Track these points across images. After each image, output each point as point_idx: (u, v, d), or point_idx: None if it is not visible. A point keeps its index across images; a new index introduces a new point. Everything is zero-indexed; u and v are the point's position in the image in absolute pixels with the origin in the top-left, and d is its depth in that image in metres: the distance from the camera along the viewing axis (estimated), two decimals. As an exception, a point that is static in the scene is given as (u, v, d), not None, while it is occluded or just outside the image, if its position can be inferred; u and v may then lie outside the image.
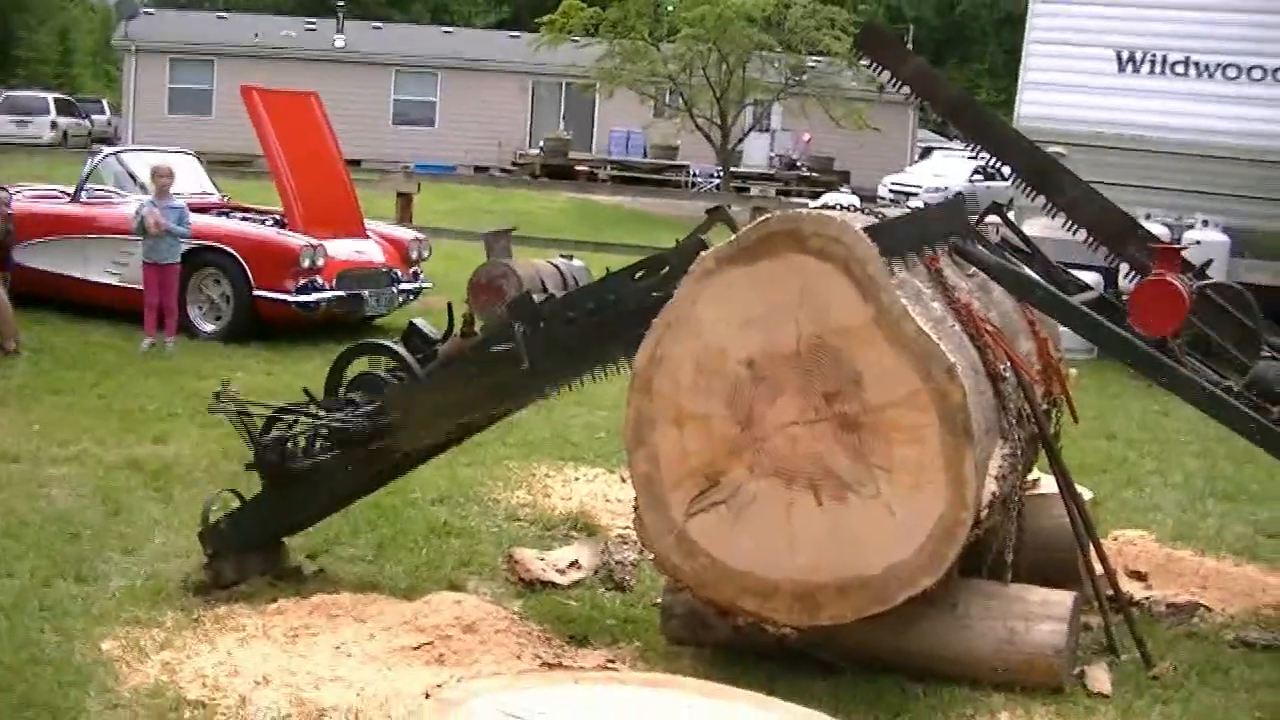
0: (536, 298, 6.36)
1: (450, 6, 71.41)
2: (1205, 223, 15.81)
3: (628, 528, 7.44)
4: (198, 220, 14.34)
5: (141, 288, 13.74)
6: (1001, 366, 6.08)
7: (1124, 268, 7.76)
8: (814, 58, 40.06)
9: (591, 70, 40.50)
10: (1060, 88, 17.09)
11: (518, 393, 6.42)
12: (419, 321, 6.91)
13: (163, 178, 13.38)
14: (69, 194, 15.27)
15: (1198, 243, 14.08)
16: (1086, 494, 7.16)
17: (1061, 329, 7.18)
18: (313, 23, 53.06)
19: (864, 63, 8.08)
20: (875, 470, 5.51)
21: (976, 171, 37.40)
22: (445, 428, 6.63)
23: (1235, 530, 8.84)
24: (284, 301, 13.77)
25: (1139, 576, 7.58)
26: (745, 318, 5.63)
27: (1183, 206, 15.96)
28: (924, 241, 6.00)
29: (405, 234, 16.10)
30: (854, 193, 34.44)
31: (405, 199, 20.20)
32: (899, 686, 5.86)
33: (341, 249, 14.49)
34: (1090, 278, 9.00)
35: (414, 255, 15.40)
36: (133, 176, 15.46)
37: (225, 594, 6.63)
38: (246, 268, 13.79)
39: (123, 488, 8.37)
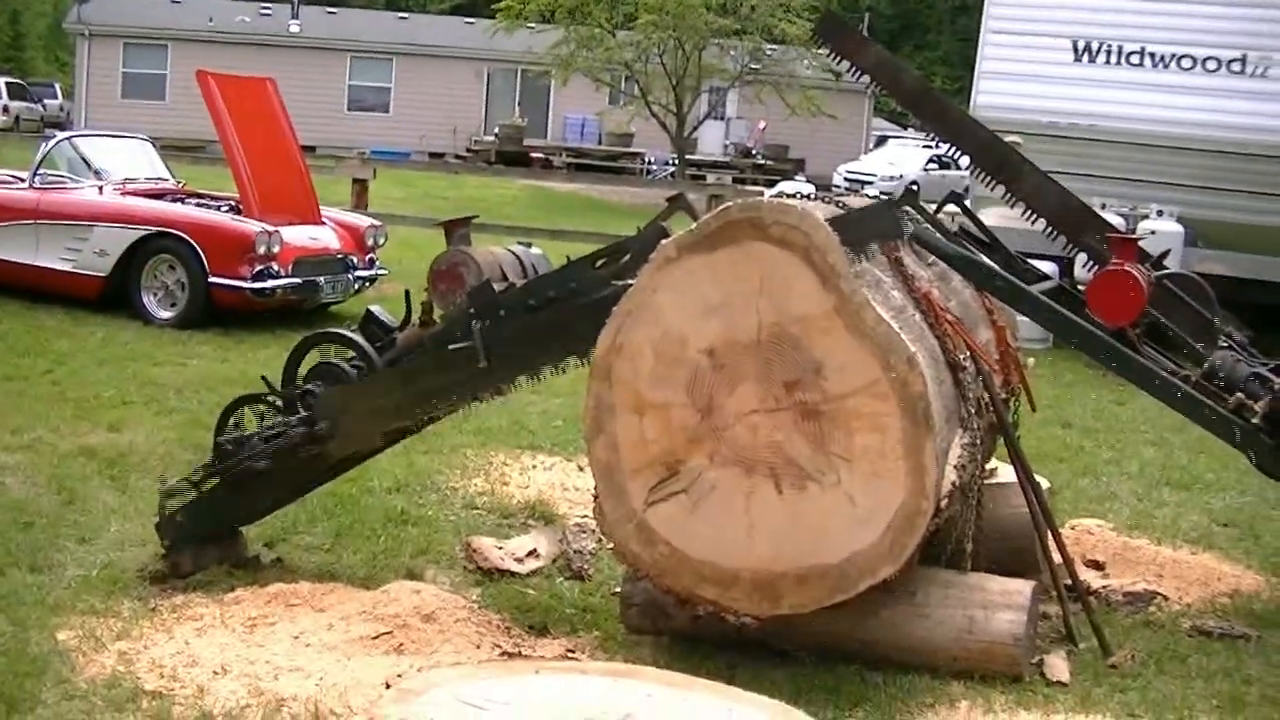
0: (497, 286, 6.34)
1: (405, -8, 71.23)
2: (1160, 213, 15.88)
3: (586, 516, 7.43)
4: (152, 205, 14.32)
5: (96, 274, 13.75)
6: (961, 356, 6.09)
7: (1081, 257, 7.78)
8: (771, 45, 40.09)
9: (546, 57, 40.41)
10: (1016, 77, 17.13)
11: (477, 387, 6.40)
12: (376, 309, 6.86)
13: None
14: (22, 179, 15.13)
15: (1153, 233, 14.11)
16: (1044, 483, 7.18)
17: (1019, 318, 7.20)
18: (268, 8, 52.81)
19: (823, 51, 8.08)
20: (836, 459, 5.51)
21: (932, 160, 37.61)
22: (382, 429, 6.63)
23: (1191, 519, 8.89)
24: (239, 288, 13.67)
25: (1096, 565, 7.62)
26: (706, 306, 5.63)
27: (1138, 196, 16.01)
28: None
29: (361, 220, 16.00)
30: (809, 181, 34.59)
31: (361, 185, 20.09)
32: (859, 675, 5.86)
33: (297, 235, 14.41)
34: (1046, 267, 9.02)
35: (370, 242, 15.32)
36: (87, 162, 15.35)
37: (182, 583, 6.58)
38: (202, 254, 13.66)
39: (77, 476, 8.30)
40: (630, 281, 5.82)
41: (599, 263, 6.25)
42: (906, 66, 8.16)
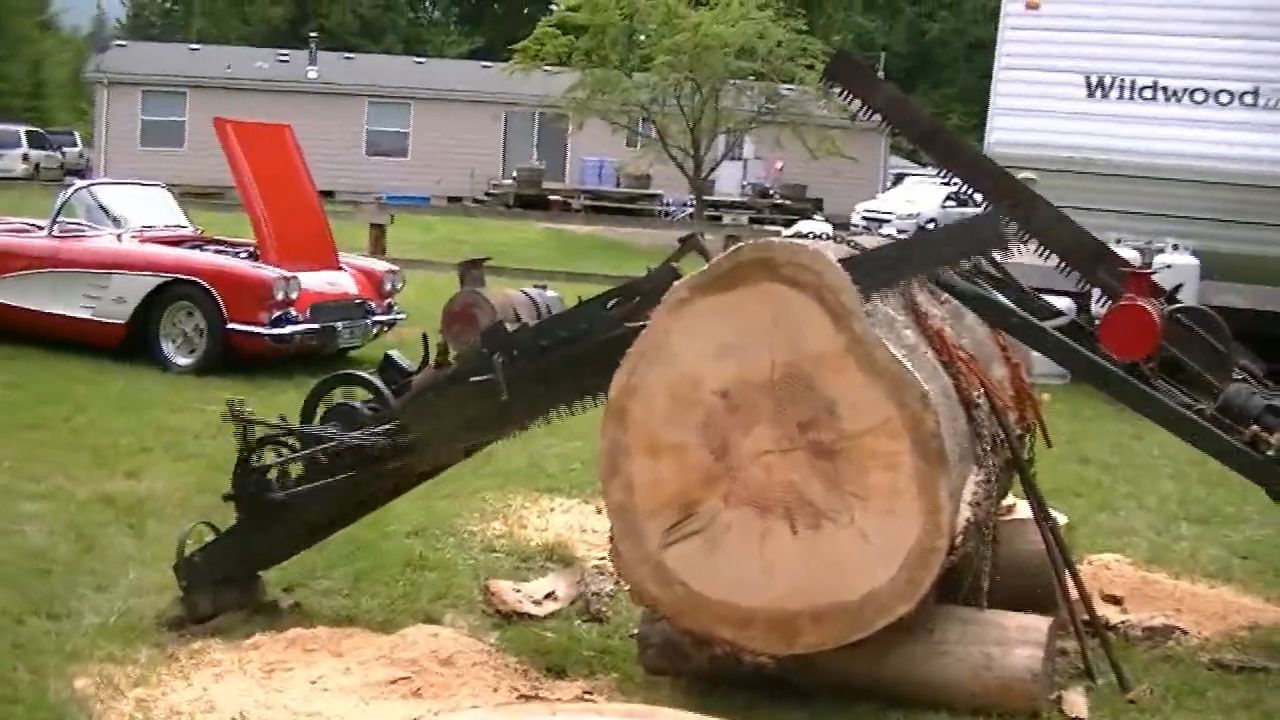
0: (510, 327, 6.36)
1: (423, 37, 71.59)
2: (1175, 246, 15.86)
3: (604, 558, 7.41)
4: (171, 253, 14.39)
5: (115, 321, 13.81)
6: (975, 393, 6.09)
7: (1096, 293, 7.78)
8: (786, 86, 40.12)
9: (563, 100, 40.49)
10: (1030, 113, 17.15)
11: (497, 424, 6.44)
12: (394, 354, 6.89)
13: None
14: (41, 227, 15.21)
15: (1168, 266, 14.08)
16: (1061, 518, 7.18)
17: (1034, 354, 7.20)
18: (285, 54, 53.15)
19: (835, 91, 8.10)
20: (850, 498, 5.51)
21: (949, 198, 37.58)
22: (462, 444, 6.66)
23: (1209, 552, 8.86)
24: (258, 334, 13.74)
25: (1114, 600, 7.59)
26: (719, 346, 5.64)
27: (1152, 230, 16.00)
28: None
29: (379, 265, 16.09)
30: (827, 220, 34.59)
31: (378, 230, 20.21)
32: (876, 714, 5.85)
33: (315, 281, 14.47)
34: (1063, 303, 9.02)
35: (387, 287, 15.38)
36: (105, 210, 15.43)
37: (200, 629, 6.59)
38: (220, 300, 13.75)
39: (95, 523, 8.32)
40: (643, 323, 5.83)
41: (611, 303, 6.26)
42: (917, 105, 8.16)
